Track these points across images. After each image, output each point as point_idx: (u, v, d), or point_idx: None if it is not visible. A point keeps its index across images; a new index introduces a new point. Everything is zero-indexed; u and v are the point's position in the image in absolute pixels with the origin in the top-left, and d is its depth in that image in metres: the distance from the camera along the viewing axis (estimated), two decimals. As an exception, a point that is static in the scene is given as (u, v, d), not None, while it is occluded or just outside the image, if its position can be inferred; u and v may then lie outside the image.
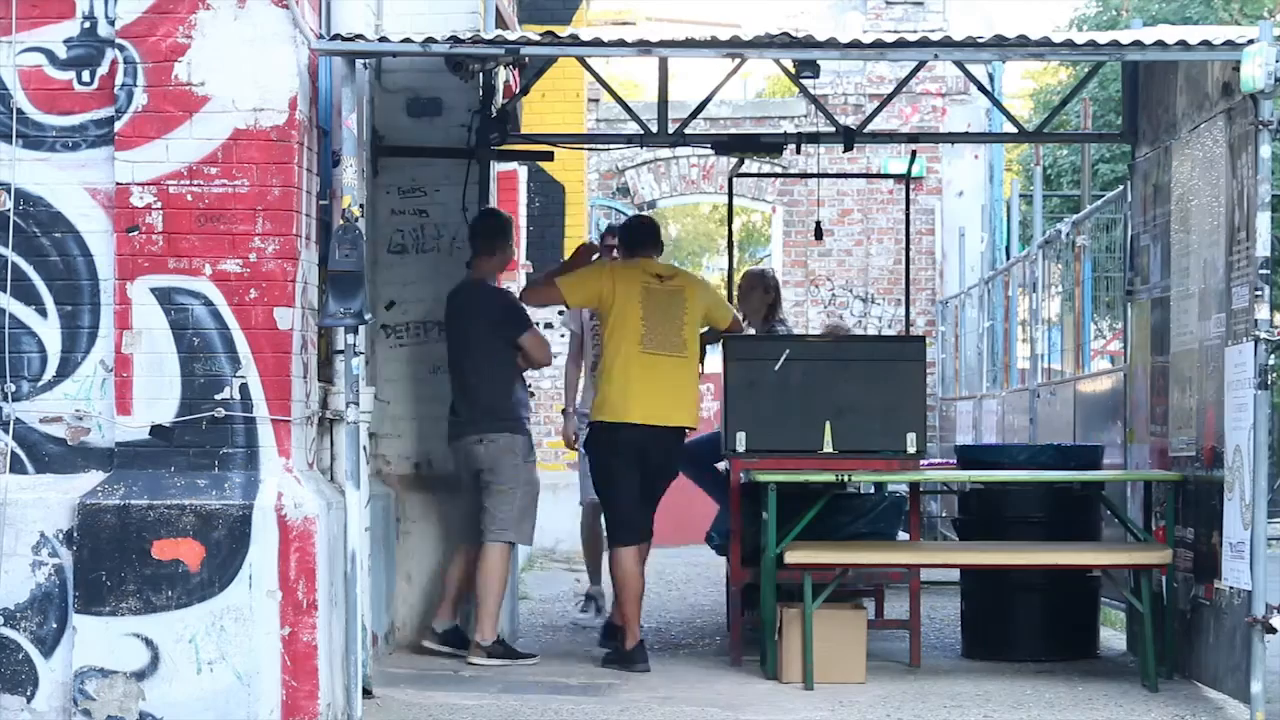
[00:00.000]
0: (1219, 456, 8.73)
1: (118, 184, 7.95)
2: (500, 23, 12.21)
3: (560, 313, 16.97)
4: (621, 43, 8.52)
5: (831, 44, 8.50)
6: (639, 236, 10.40)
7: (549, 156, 11.96)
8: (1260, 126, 8.13)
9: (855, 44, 8.50)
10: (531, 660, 9.93)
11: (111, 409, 7.97)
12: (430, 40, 8.22)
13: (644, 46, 8.42)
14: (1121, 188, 11.76)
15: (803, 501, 9.72)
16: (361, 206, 8.25)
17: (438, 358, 10.39)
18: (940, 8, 22.05)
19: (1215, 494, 8.73)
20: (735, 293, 11.78)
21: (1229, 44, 8.21)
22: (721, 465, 10.87)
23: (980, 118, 21.84)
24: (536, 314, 17.26)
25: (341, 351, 8.33)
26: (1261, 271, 8.19)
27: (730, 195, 13.05)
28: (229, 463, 7.89)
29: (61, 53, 8.03)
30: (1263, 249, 8.17)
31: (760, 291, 11.66)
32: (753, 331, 11.28)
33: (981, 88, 11.93)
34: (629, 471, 9.81)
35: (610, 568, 9.99)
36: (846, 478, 9.66)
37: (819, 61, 9.74)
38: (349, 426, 8.21)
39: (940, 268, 22.11)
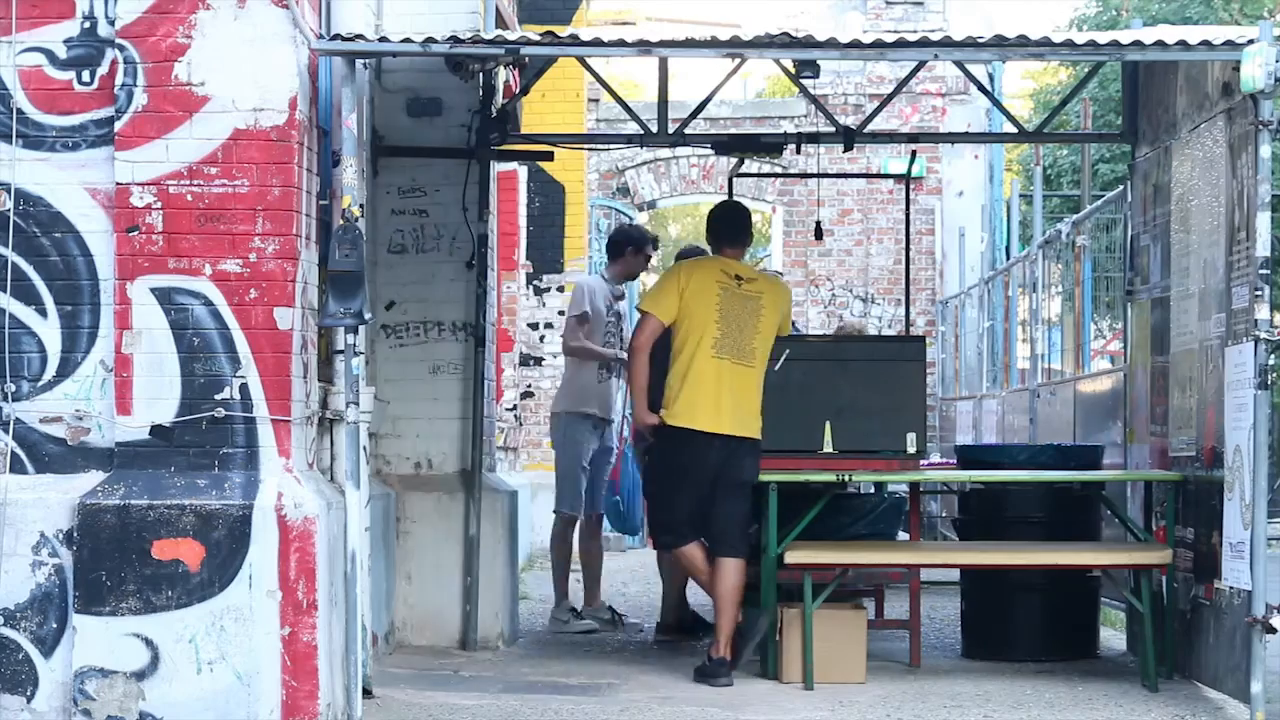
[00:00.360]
0: (1219, 456, 8.73)
1: (118, 184, 7.95)
2: (500, 23, 12.22)
3: (560, 312, 17.06)
4: (621, 43, 8.52)
5: (831, 44, 8.49)
6: (723, 230, 9.81)
7: (549, 156, 11.96)
8: (1260, 126, 8.13)
9: (855, 44, 8.49)
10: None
11: (111, 409, 7.97)
12: (430, 40, 8.22)
13: (644, 46, 8.42)
14: (1121, 188, 11.76)
15: (803, 501, 9.72)
16: (361, 206, 8.24)
17: (437, 358, 10.41)
18: (940, 8, 22.07)
19: (1215, 494, 8.73)
20: None
21: (1229, 44, 8.21)
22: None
23: (980, 118, 21.85)
24: (536, 315, 17.30)
25: (341, 351, 8.33)
26: (1261, 271, 8.18)
27: (730, 195, 13.04)
28: (229, 463, 7.89)
29: (61, 53, 8.03)
30: (1263, 249, 8.17)
31: None
32: None
33: (981, 88, 11.93)
34: (694, 477, 9.44)
35: (683, 567, 9.80)
36: (847, 478, 9.66)
37: (819, 61, 9.73)
38: (349, 426, 8.21)
39: (940, 268, 22.12)
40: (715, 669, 9.34)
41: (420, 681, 9.28)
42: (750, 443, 9.51)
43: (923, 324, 21.56)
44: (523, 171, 16.30)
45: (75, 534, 7.83)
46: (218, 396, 7.90)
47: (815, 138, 11.44)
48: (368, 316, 8.18)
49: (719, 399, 9.43)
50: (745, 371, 9.51)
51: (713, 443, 9.42)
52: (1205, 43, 8.26)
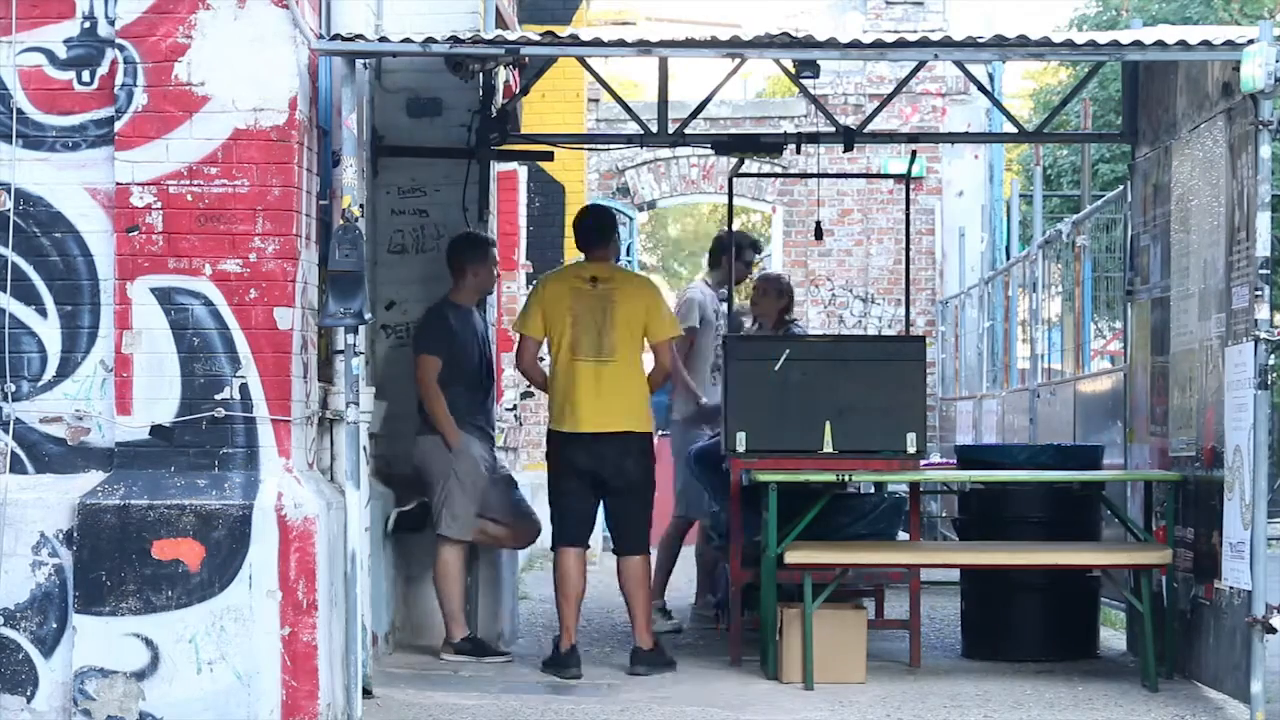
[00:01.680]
0: (1219, 456, 8.73)
1: (118, 184, 7.95)
2: (500, 23, 12.21)
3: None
4: (621, 43, 8.52)
5: (831, 44, 8.50)
6: (581, 234, 10.02)
7: (549, 156, 11.96)
8: (1260, 126, 8.13)
9: (855, 44, 8.50)
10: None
11: (111, 409, 7.97)
12: (430, 40, 8.22)
13: (644, 46, 8.42)
14: (1121, 188, 11.76)
15: (803, 501, 9.72)
16: (361, 206, 8.25)
17: (437, 358, 10.41)
18: (940, 8, 22.06)
19: (1215, 494, 8.74)
20: (747, 295, 11.85)
21: (1229, 44, 8.21)
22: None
23: (980, 118, 21.84)
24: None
25: (341, 351, 8.33)
26: (1261, 271, 8.19)
27: (730, 195, 13.04)
28: (229, 463, 7.89)
29: (61, 53, 8.03)
30: (1263, 249, 8.18)
31: (774, 296, 11.80)
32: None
33: (981, 88, 11.93)
34: (570, 477, 9.70)
35: (553, 566, 9.93)
36: (847, 478, 9.66)
37: (819, 61, 9.74)
38: (349, 426, 8.21)
39: (940, 268, 22.11)
40: (652, 658, 9.65)
41: (420, 681, 9.28)
42: (626, 438, 9.65)
43: (923, 324, 21.55)
44: (523, 171, 16.28)
45: (75, 534, 7.83)
46: (218, 396, 7.91)
47: (815, 138, 11.43)
48: (368, 316, 8.19)
49: (585, 400, 9.61)
50: (607, 368, 9.63)
51: (581, 443, 9.62)
52: (1205, 43, 8.26)
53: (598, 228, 9.97)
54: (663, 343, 9.81)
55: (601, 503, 9.86)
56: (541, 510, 10.48)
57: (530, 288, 10.14)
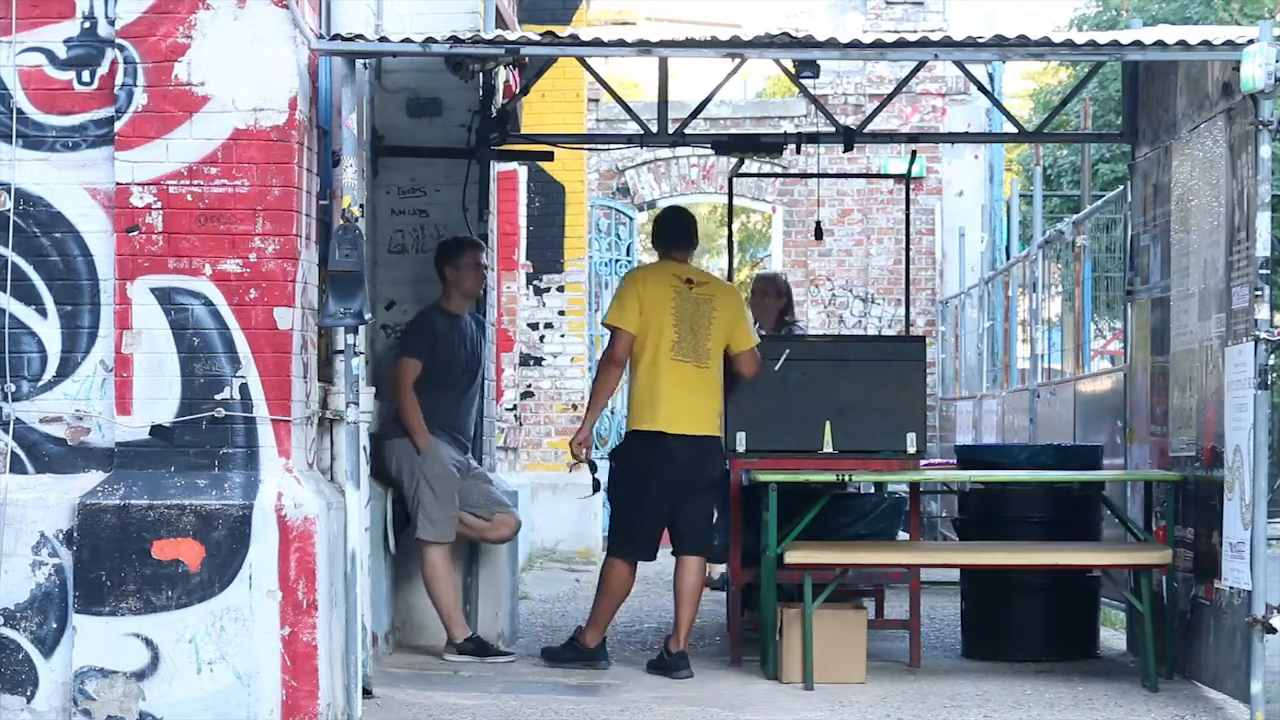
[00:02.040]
0: (1219, 456, 8.74)
1: (118, 184, 7.95)
2: (500, 23, 12.22)
3: (561, 312, 17.08)
4: (621, 43, 8.52)
5: (831, 44, 8.50)
6: (668, 236, 9.95)
7: (549, 156, 11.96)
8: (1260, 126, 8.13)
9: (855, 44, 8.50)
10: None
11: (111, 409, 7.97)
12: (430, 40, 8.22)
13: (644, 46, 8.42)
14: (1121, 188, 11.76)
15: (803, 501, 9.72)
16: (361, 206, 8.24)
17: (437, 358, 10.39)
18: (940, 8, 22.06)
19: (1215, 494, 8.74)
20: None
21: (1229, 44, 8.21)
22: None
23: (980, 118, 21.85)
24: (536, 315, 17.28)
25: (341, 351, 8.33)
26: (1261, 271, 8.19)
27: (730, 195, 13.04)
28: (229, 463, 7.89)
29: (61, 53, 8.03)
30: (1263, 249, 8.18)
31: (773, 296, 11.81)
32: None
33: (981, 88, 11.93)
34: (656, 484, 9.58)
35: (603, 572, 9.86)
36: (847, 478, 9.67)
37: (819, 61, 9.74)
38: (349, 426, 8.21)
39: (940, 268, 22.12)
40: (675, 663, 9.55)
41: (420, 681, 9.28)
42: (715, 441, 9.74)
43: (923, 324, 21.56)
44: (523, 171, 16.29)
45: (75, 534, 7.83)
46: (218, 396, 7.90)
47: (815, 138, 11.43)
48: (368, 316, 8.19)
49: (684, 401, 9.59)
50: (703, 373, 9.66)
51: (683, 444, 9.58)
52: (1205, 43, 8.26)
53: (684, 229, 9.97)
54: (746, 352, 9.83)
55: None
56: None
57: (622, 282, 10.01)
